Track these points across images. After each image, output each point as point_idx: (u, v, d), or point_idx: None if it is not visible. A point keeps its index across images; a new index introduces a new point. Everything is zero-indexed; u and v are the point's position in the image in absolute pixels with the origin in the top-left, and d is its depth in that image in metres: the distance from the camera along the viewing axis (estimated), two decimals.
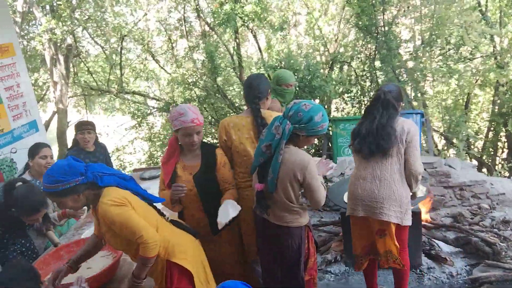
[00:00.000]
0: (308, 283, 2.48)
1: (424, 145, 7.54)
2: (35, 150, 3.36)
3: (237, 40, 8.69)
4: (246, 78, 3.87)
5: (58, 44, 8.81)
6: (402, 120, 2.65)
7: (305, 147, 2.59)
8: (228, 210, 2.40)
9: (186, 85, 8.61)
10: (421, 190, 2.84)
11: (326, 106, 8.10)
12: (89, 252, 2.34)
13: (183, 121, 2.45)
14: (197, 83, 8.69)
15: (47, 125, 9.49)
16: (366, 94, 7.92)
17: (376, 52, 7.42)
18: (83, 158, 3.89)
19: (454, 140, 8.13)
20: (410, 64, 7.70)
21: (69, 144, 8.70)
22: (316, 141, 7.04)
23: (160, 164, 2.52)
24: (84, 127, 3.96)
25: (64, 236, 3.23)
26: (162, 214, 2.31)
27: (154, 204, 2.29)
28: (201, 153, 2.66)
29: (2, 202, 2.73)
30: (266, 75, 7.90)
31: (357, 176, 2.73)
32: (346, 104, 8.32)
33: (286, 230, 2.34)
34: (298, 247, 2.37)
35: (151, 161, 9.95)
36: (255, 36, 8.95)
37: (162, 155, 9.45)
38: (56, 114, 9.54)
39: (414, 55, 7.57)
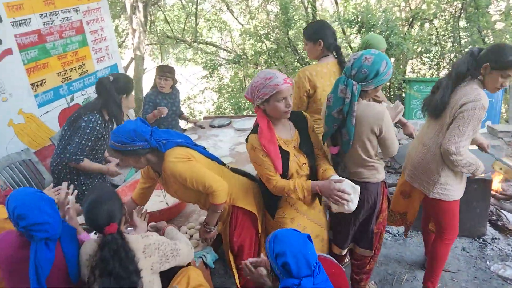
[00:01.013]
0: (375, 236, 2.50)
1: (504, 114, 7.00)
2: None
3: None
4: (312, 23, 3.69)
5: None
6: (468, 91, 2.26)
7: None
8: (354, 195, 2.16)
9: (258, 37, 8.57)
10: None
11: (401, 66, 7.70)
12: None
13: (275, 84, 2.04)
14: (269, 36, 8.61)
15: (124, 71, 10.00)
16: (446, 55, 7.40)
17: (462, 10, 6.82)
18: (160, 99, 4.12)
19: None
20: (499, 25, 7.01)
21: (145, 90, 9.12)
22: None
23: (257, 148, 2.15)
24: (163, 74, 4.14)
25: (133, 177, 3.50)
26: (223, 164, 2.42)
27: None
28: (291, 121, 2.32)
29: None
30: (340, 29, 7.64)
31: (415, 138, 2.69)
32: (424, 64, 7.85)
33: (363, 186, 2.28)
34: (373, 202, 2.36)
35: (219, 112, 10.23)
36: None
37: (230, 106, 9.68)
38: (134, 61, 10.00)
39: (506, 15, 6.86)
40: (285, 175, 2.17)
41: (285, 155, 2.17)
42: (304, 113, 2.37)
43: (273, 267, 1.65)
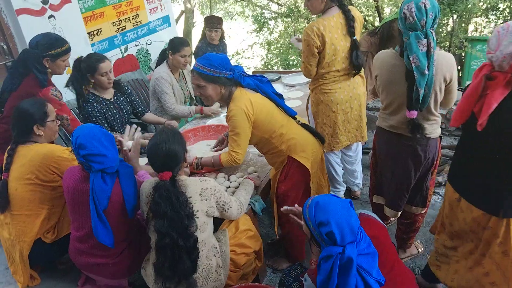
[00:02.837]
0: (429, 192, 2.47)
1: None
2: (178, 47, 3.45)
3: None
4: None
5: None
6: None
7: None
8: None
9: None
10: None
11: (463, 24, 7.21)
12: None
13: None
14: None
15: (176, 23, 10.05)
16: None
17: None
18: (210, 51, 4.15)
19: None
20: None
21: (194, 43, 9.17)
22: None
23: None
24: (212, 25, 4.16)
25: (190, 123, 3.59)
26: (293, 117, 2.44)
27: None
28: None
29: None
30: None
31: None
32: (490, 22, 7.29)
33: (425, 142, 2.22)
34: (432, 158, 2.31)
35: (267, 68, 10.14)
36: None
37: (278, 62, 9.54)
38: (184, 14, 10.00)
39: None
40: None
41: None
42: None
43: (315, 235, 1.60)
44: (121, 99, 3.20)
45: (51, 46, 2.69)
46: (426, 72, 2.00)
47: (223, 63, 2.18)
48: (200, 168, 2.49)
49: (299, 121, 2.46)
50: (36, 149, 2.30)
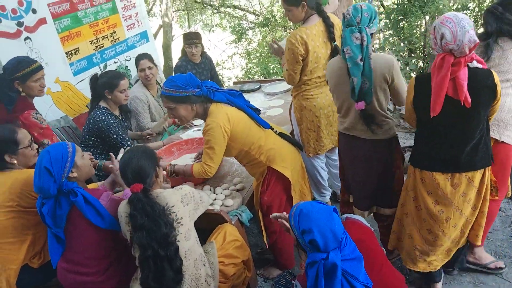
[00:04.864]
0: (396, 193, 2.51)
1: None
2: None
3: None
4: None
5: None
6: None
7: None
8: None
9: None
10: None
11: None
12: None
13: None
14: None
15: (153, 38, 10.04)
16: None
17: None
18: (190, 69, 4.14)
19: None
20: None
21: (174, 58, 9.17)
22: (421, 63, 6.59)
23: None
24: (191, 41, 4.15)
25: (172, 136, 3.59)
26: (271, 128, 2.47)
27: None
28: None
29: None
30: None
31: None
32: None
33: (375, 143, 2.35)
34: (387, 159, 2.40)
35: (248, 77, 10.20)
36: None
37: (259, 71, 9.61)
38: (162, 28, 10.01)
39: None
40: None
41: None
42: None
43: (300, 242, 1.64)
44: (125, 117, 3.27)
45: (16, 68, 2.67)
46: (359, 62, 2.16)
47: (188, 81, 2.20)
48: (174, 175, 2.48)
49: (276, 130, 2.49)
50: (15, 176, 2.25)
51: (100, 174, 2.97)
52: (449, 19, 1.88)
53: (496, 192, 2.27)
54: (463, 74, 1.88)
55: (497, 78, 1.94)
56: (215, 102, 2.27)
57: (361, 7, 2.18)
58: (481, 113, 1.97)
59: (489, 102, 1.98)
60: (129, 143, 3.10)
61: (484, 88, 1.93)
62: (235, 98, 2.34)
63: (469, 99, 1.88)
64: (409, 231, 2.35)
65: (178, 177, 2.49)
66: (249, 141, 2.31)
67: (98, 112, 3.01)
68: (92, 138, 3.08)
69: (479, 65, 1.96)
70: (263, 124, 2.41)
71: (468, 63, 1.91)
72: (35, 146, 2.42)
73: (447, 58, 1.89)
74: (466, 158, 2.06)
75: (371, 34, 2.22)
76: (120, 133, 3.04)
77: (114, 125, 3.02)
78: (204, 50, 4.44)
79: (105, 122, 2.98)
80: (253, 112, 2.39)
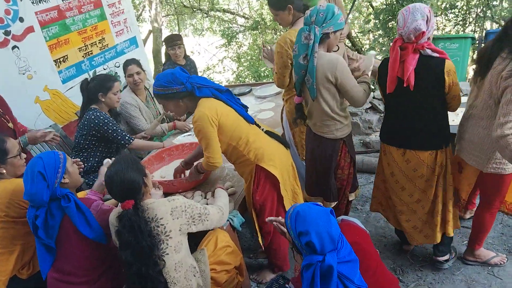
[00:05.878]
0: (339, 191, 2.67)
1: None
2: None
3: None
4: None
5: None
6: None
7: None
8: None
9: None
10: None
11: None
12: (197, 155, 2.67)
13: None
14: None
15: (143, 44, 10.01)
16: (472, 10, 7.08)
17: None
18: None
19: None
20: None
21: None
22: None
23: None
24: (173, 43, 4.21)
25: (165, 141, 3.58)
26: (257, 125, 2.47)
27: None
28: None
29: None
30: None
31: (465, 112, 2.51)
32: (449, 21, 7.55)
33: (320, 140, 2.52)
34: (329, 157, 2.52)
35: (239, 81, 10.20)
36: None
37: (249, 75, 9.62)
38: (152, 34, 9.99)
39: None
40: None
41: None
42: None
43: (296, 244, 1.63)
44: (116, 120, 3.25)
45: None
46: (301, 61, 2.31)
47: (170, 79, 2.24)
48: (201, 171, 2.51)
49: (263, 129, 2.50)
50: (3, 185, 2.22)
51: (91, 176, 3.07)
52: (408, 8, 2.10)
53: (463, 210, 2.70)
54: (412, 59, 2.10)
55: (450, 68, 2.11)
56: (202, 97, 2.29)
57: (320, 6, 2.27)
58: (428, 98, 2.20)
59: (436, 89, 2.17)
60: (127, 137, 3.12)
61: (431, 74, 2.13)
62: (222, 95, 2.34)
63: (412, 82, 2.11)
64: (388, 195, 2.65)
65: (203, 173, 2.54)
66: (237, 135, 2.30)
67: (91, 113, 3.02)
68: (89, 139, 3.07)
69: (435, 54, 2.13)
70: (249, 119, 2.42)
71: (420, 50, 2.11)
72: (24, 155, 2.40)
73: (398, 42, 2.13)
74: (415, 137, 2.31)
75: (328, 33, 2.28)
76: (118, 126, 3.09)
77: (111, 119, 3.06)
78: (187, 54, 4.47)
79: (101, 118, 3.00)
80: (240, 108, 2.40)
